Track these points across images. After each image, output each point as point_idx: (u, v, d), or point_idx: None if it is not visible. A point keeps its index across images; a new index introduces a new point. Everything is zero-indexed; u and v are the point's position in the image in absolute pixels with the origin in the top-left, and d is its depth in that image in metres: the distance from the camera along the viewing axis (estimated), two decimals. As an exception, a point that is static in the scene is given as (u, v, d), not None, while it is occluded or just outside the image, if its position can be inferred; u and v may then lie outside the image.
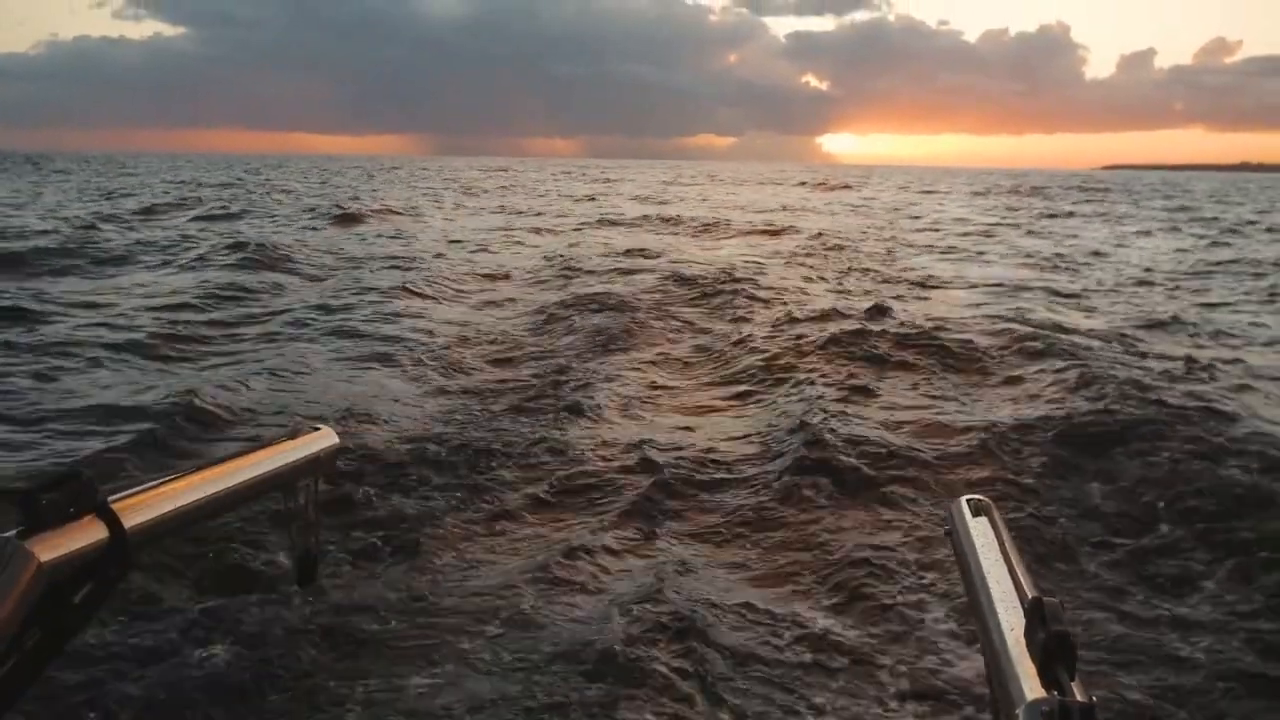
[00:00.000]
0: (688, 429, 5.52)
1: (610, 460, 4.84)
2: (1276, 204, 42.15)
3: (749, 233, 20.03)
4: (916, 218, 26.38)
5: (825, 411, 5.53)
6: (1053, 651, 0.77)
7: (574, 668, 2.89)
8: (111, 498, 0.99)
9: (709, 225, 21.48)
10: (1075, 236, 20.99)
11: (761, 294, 10.57)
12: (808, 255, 15.20)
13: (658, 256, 14.54)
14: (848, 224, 23.23)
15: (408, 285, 10.74)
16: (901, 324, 8.40)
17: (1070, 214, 30.54)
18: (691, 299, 10.51)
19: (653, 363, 7.38)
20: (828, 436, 5.01)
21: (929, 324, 8.40)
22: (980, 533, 1.10)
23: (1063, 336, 7.95)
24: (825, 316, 8.84)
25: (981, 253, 16.76)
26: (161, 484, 1.10)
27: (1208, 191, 58.58)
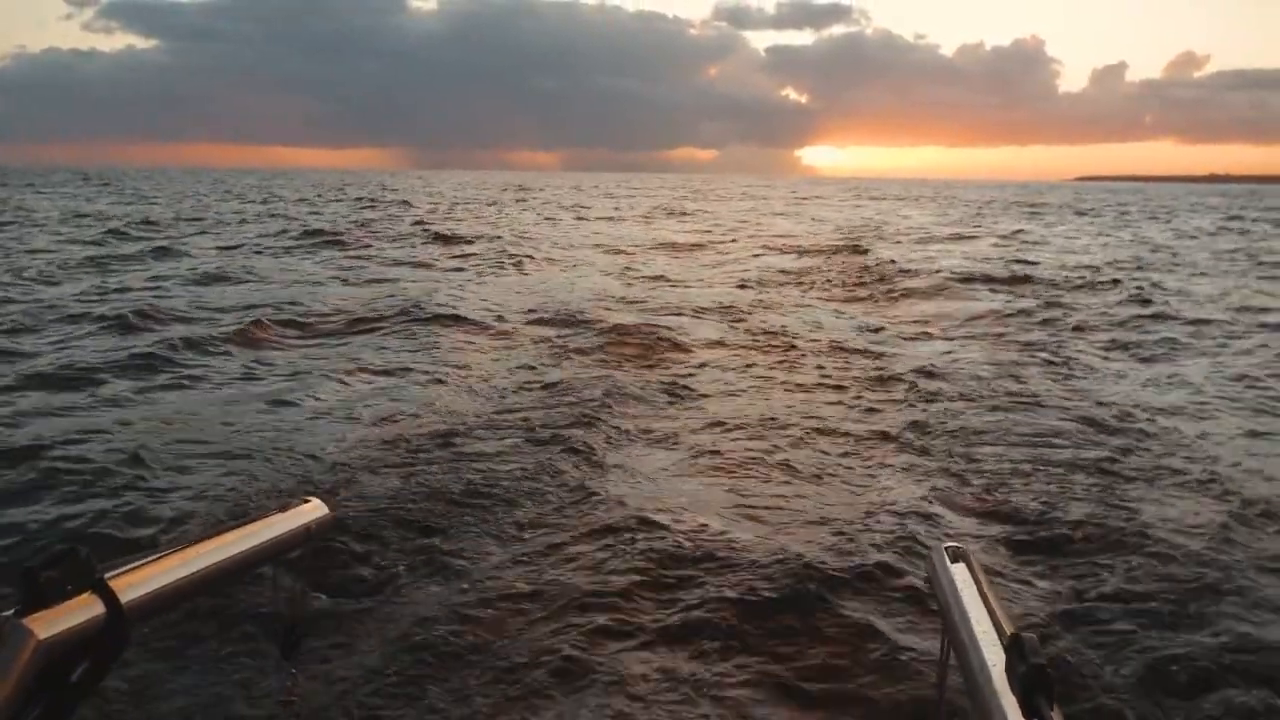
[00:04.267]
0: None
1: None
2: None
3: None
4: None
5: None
6: (1033, 683, 0.81)
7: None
8: (108, 574, 0.99)
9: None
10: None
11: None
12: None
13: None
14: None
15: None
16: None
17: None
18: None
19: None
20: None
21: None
22: (960, 577, 1.14)
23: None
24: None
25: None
26: (156, 559, 1.10)
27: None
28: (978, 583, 1.11)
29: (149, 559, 1.09)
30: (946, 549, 1.23)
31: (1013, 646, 0.86)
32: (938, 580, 1.19)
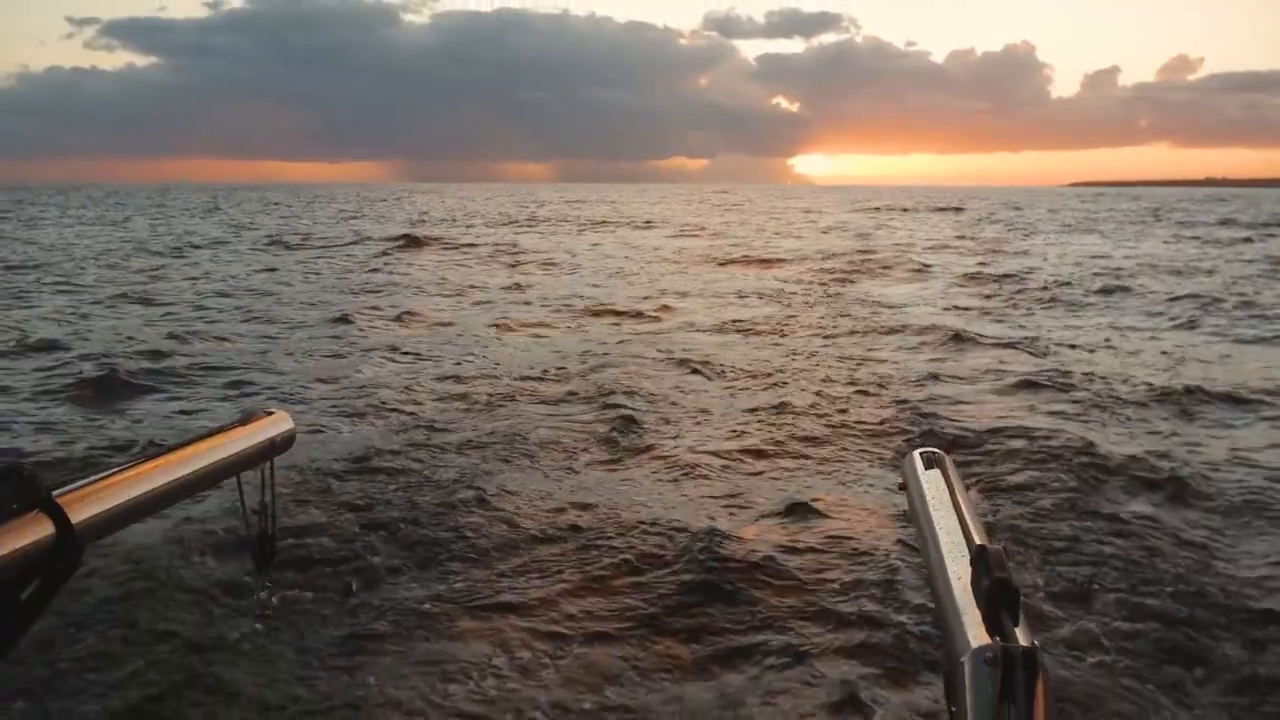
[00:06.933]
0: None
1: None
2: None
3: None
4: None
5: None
6: (996, 598, 0.78)
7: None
8: (57, 492, 0.97)
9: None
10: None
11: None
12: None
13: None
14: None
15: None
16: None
17: None
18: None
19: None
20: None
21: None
22: (932, 484, 1.11)
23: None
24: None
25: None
26: (110, 476, 1.08)
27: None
28: (951, 490, 1.08)
29: (102, 476, 1.08)
30: (921, 454, 1.19)
31: (978, 559, 0.84)
32: (910, 486, 1.15)
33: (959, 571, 0.89)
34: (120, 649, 3.17)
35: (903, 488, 1.19)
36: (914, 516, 1.10)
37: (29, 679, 2.90)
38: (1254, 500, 5.05)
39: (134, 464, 1.13)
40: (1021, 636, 0.76)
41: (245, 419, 1.41)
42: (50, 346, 9.69)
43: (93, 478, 1.06)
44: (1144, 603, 3.74)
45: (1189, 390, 7.61)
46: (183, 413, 7.20)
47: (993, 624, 0.77)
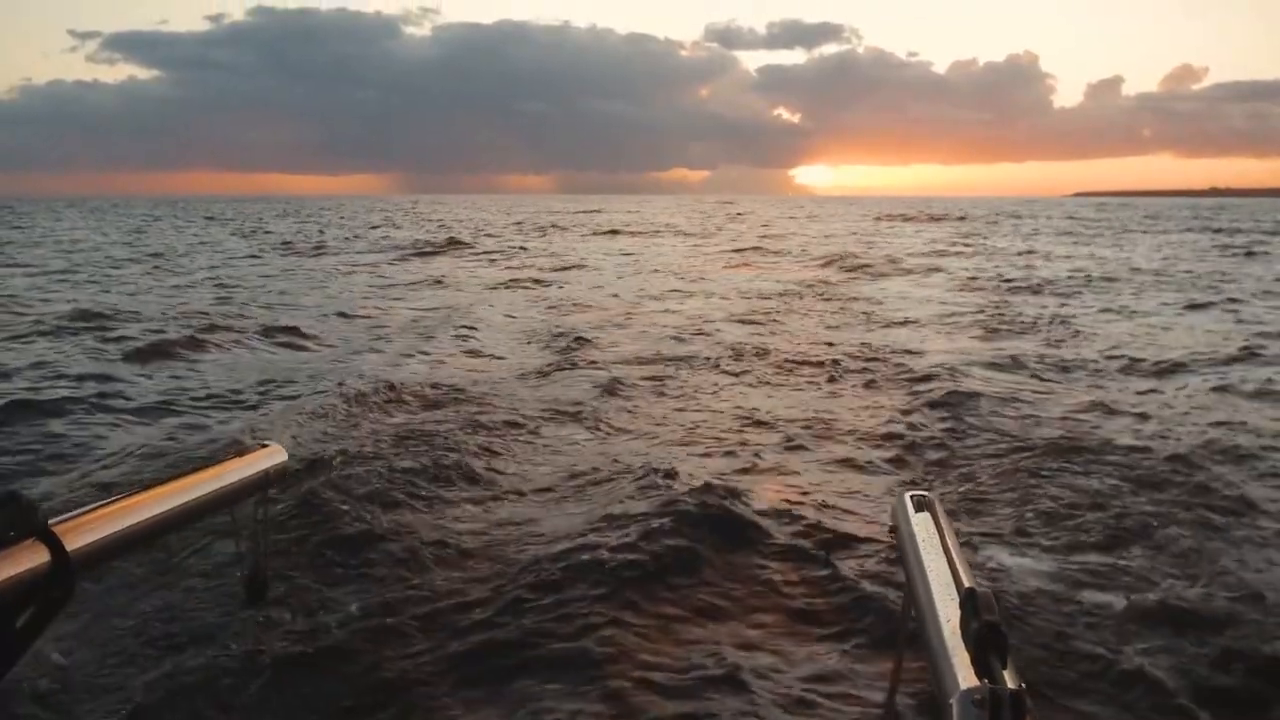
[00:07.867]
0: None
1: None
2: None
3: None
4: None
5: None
6: (985, 641, 0.78)
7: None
8: (53, 520, 0.98)
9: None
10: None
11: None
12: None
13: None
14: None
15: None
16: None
17: None
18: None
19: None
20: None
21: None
22: (921, 527, 1.11)
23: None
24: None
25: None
26: (105, 505, 1.09)
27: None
28: (940, 533, 1.09)
29: (98, 505, 1.08)
30: (911, 497, 1.20)
31: (967, 602, 0.84)
32: (900, 529, 1.16)
33: (948, 614, 0.89)
34: (93, 675, 3.11)
35: (893, 530, 1.21)
36: (904, 558, 1.11)
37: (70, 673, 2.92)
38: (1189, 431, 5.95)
39: (129, 494, 1.14)
40: (1010, 679, 0.76)
41: (240, 451, 1.43)
42: (102, 326, 10.71)
43: (88, 506, 1.07)
44: (1105, 517, 4.41)
45: (1158, 362, 8.53)
46: (226, 376, 8.07)
47: (981, 666, 0.78)
